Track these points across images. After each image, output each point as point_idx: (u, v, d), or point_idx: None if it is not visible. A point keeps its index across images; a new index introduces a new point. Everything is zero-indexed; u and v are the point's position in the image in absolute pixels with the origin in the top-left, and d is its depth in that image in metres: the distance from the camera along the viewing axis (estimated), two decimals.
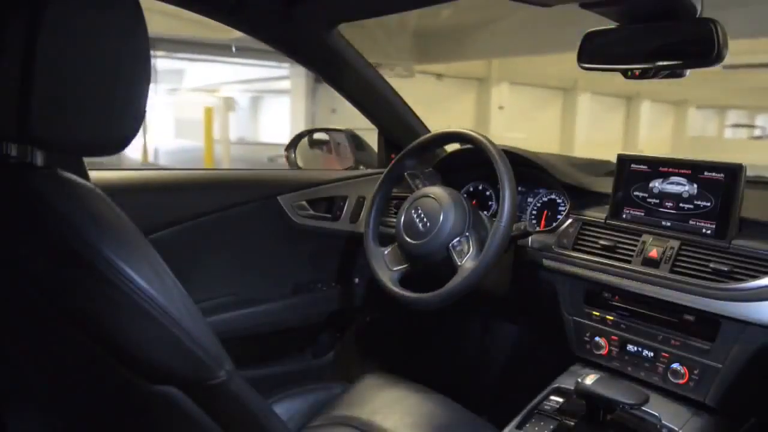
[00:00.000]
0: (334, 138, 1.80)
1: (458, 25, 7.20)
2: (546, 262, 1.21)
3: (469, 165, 1.46)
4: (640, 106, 11.17)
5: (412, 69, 9.19)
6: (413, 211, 1.23)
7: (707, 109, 11.39)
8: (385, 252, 1.29)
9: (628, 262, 1.09)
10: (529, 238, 1.24)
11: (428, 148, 1.34)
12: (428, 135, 1.32)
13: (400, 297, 1.21)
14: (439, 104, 9.38)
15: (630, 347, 1.09)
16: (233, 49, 7.53)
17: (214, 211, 1.34)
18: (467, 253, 1.14)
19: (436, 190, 1.23)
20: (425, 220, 1.20)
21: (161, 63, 8.23)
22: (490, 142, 1.18)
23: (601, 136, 10.46)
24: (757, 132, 11.99)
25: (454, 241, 1.16)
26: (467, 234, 1.16)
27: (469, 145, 1.25)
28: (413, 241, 1.21)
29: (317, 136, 1.83)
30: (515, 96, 10.03)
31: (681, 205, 1.07)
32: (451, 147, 1.48)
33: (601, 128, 10.65)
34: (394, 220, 1.33)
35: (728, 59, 0.81)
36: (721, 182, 1.02)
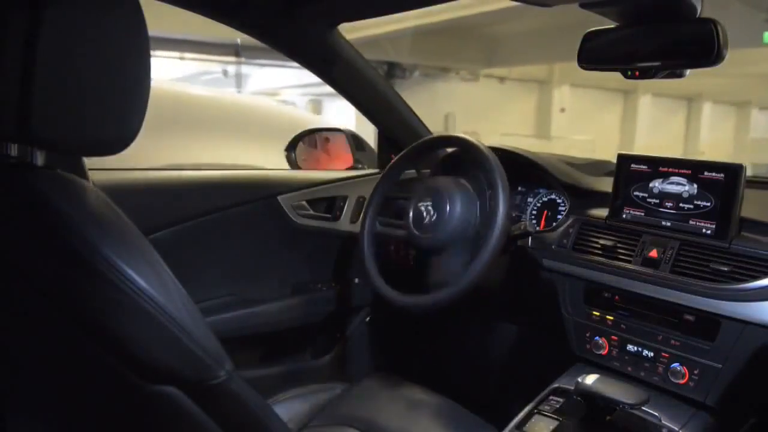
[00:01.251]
0: (322, 135, 1.82)
1: (523, 32, 7.41)
2: (546, 262, 1.20)
3: (468, 166, 1.45)
4: (702, 108, 10.96)
5: (478, 73, 9.42)
6: (421, 203, 1.22)
7: None
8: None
9: (628, 262, 1.09)
10: (529, 238, 1.24)
11: (423, 153, 1.34)
12: (422, 140, 1.33)
13: (395, 300, 1.20)
14: (502, 107, 9.60)
15: (630, 347, 1.09)
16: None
17: (214, 211, 1.34)
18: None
19: (444, 180, 1.22)
20: (432, 211, 1.19)
21: (230, 68, 8.52)
22: (485, 147, 1.18)
23: (661, 137, 10.37)
24: None
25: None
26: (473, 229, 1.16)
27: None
28: (421, 234, 1.20)
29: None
30: (576, 98, 10.03)
31: (681, 205, 1.07)
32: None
33: (662, 130, 10.54)
34: (393, 220, 1.33)
35: None
36: (721, 182, 1.02)
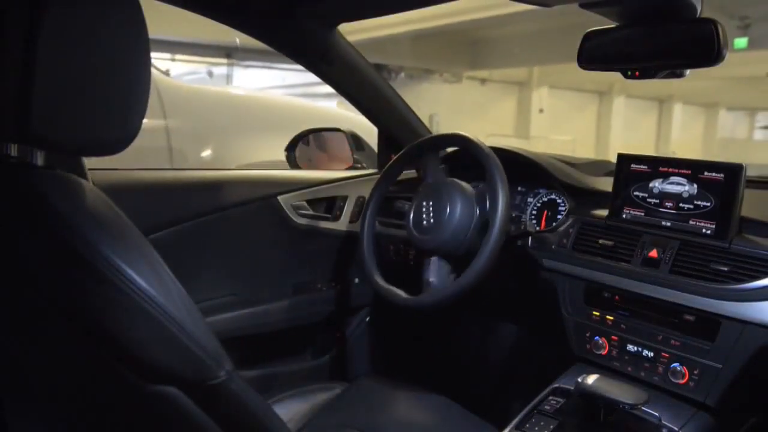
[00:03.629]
0: (322, 136, 1.83)
1: (505, 36, 7.68)
2: (546, 262, 1.20)
3: (469, 165, 1.46)
4: (673, 109, 11.25)
5: (461, 75, 9.73)
6: (421, 203, 1.22)
7: (738, 111, 11.48)
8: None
9: (628, 262, 1.09)
10: (529, 238, 1.24)
11: (423, 153, 1.34)
12: (422, 139, 1.33)
13: (395, 300, 1.20)
14: (483, 108, 9.91)
15: (630, 347, 1.09)
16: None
17: (214, 211, 1.34)
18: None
19: (444, 180, 1.22)
20: (432, 211, 1.19)
21: (216, 69, 8.64)
22: (485, 146, 1.18)
23: (634, 137, 10.63)
24: None
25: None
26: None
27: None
28: (420, 236, 1.20)
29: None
30: (554, 100, 10.28)
31: (681, 205, 1.07)
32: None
33: (635, 130, 10.82)
34: (393, 220, 1.33)
35: None
36: (721, 182, 1.02)
